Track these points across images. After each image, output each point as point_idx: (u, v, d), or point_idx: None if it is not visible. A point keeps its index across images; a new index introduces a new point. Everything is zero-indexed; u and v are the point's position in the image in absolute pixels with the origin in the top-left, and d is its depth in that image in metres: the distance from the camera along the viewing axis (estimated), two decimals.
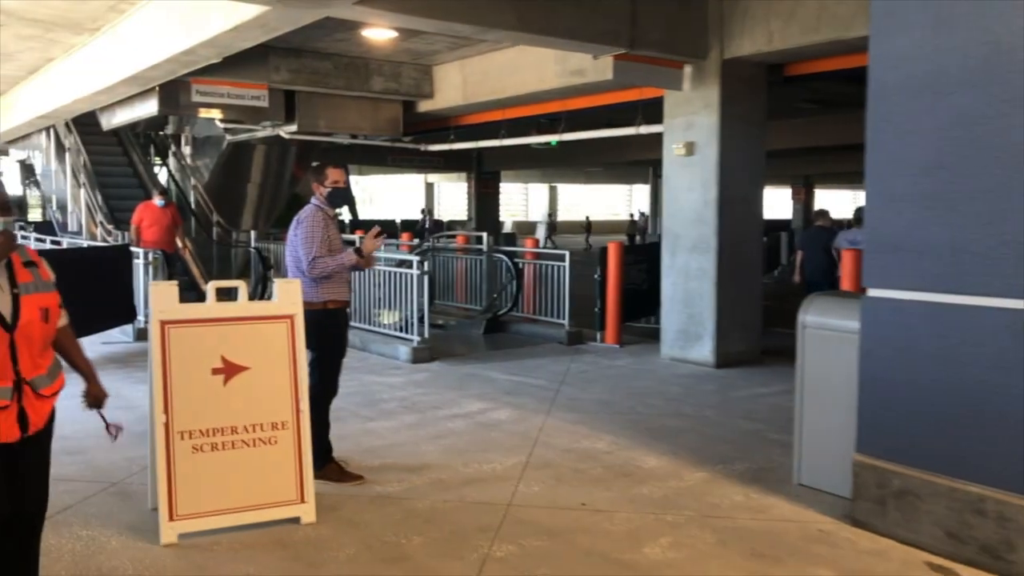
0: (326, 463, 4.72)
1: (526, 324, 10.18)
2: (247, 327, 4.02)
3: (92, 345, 8.72)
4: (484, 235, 10.64)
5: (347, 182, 4.89)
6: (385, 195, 44.17)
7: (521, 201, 46.19)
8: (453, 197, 42.31)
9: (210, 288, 3.98)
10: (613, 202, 50.06)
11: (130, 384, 7.00)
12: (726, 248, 8.04)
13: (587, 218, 35.84)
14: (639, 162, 28.20)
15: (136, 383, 6.97)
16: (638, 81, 7.82)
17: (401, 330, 8.78)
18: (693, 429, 5.91)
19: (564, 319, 9.55)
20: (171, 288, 3.90)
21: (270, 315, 4.08)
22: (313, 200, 4.84)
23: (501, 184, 29.70)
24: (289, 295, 4.13)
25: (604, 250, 9.52)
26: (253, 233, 12.41)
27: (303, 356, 4.13)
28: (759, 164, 8.26)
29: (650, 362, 8.40)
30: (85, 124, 13.90)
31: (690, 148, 8.12)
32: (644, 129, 9.31)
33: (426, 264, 8.45)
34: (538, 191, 46.20)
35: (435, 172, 33.65)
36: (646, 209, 42.17)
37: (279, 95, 10.90)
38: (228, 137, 13.03)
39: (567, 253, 9.66)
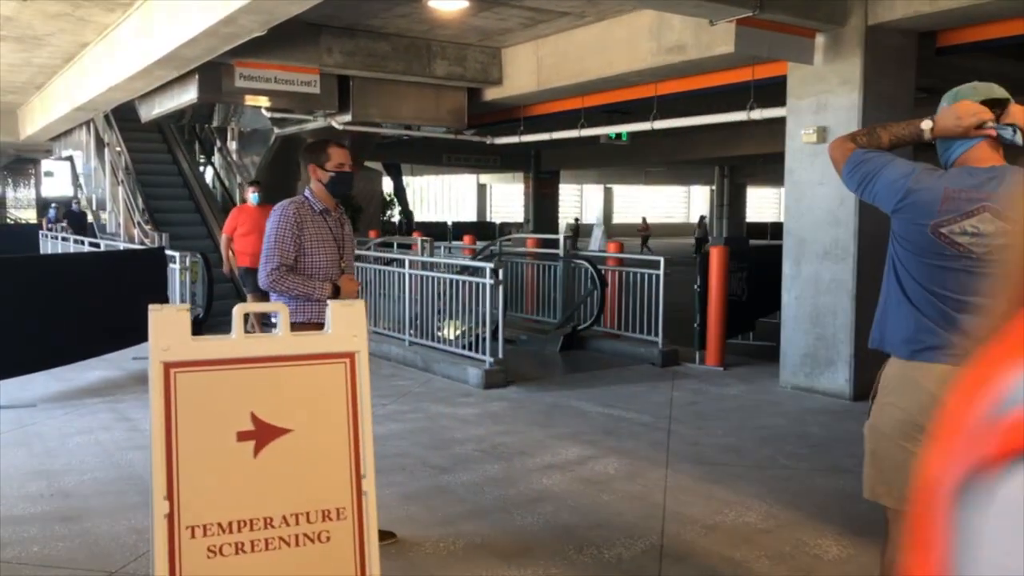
0: None
1: (609, 341, 8.85)
2: (289, 371, 2.79)
3: (123, 361, 7.67)
4: (561, 238, 9.35)
5: (352, 166, 3.75)
6: (437, 196, 43.29)
7: (575, 202, 44.88)
8: (506, 198, 41.21)
9: (236, 313, 2.75)
10: (669, 204, 48.47)
11: None
12: (867, 255, 6.61)
13: (576, 219, 33.59)
14: (706, 160, 26.68)
15: None
16: (763, 52, 6.46)
17: (470, 348, 7.54)
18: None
19: (657, 336, 8.21)
20: (179, 315, 2.68)
21: (322, 353, 2.84)
22: (305, 191, 3.75)
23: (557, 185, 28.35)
24: (349, 322, 2.89)
25: (706, 256, 8.16)
26: None
27: (368, 412, 2.88)
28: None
29: (769, 391, 7.01)
30: (126, 119, 12.98)
31: (822, 134, 6.72)
32: (757, 114, 7.92)
33: (501, 272, 7.19)
34: (592, 192, 44.83)
35: (490, 172, 32.49)
36: (704, 211, 40.53)
37: (332, 80, 9.76)
38: (276, 130, 11.98)
39: (662, 259, 8.31)
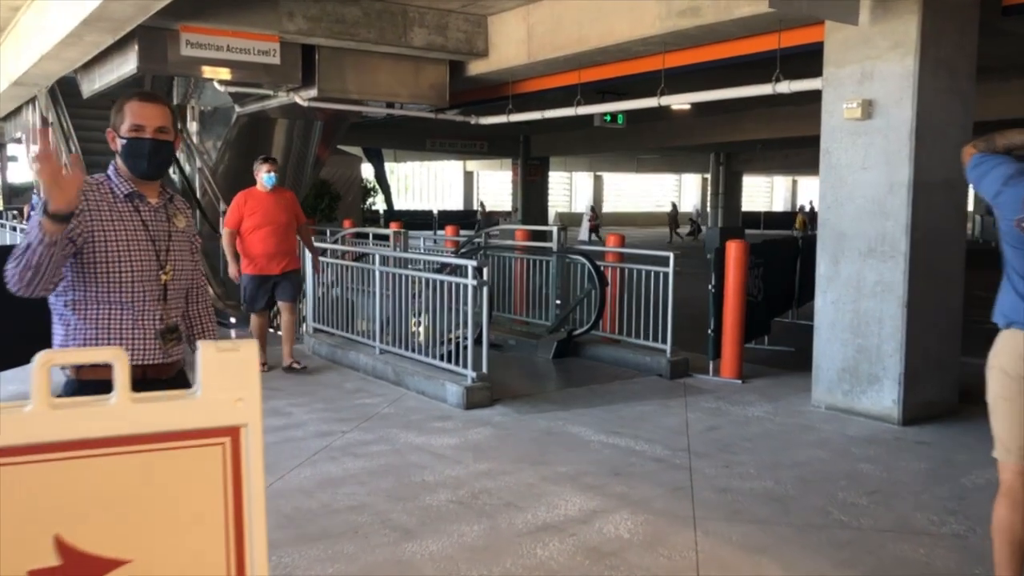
0: None
1: (609, 347, 7.78)
2: (126, 462, 1.68)
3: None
4: (555, 230, 8.26)
5: (166, 130, 2.50)
6: (422, 184, 42.26)
7: (564, 191, 43.80)
8: (493, 187, 40.13)
9: (37, 367, 1.65)
10: (660, 193, 47.49)
11: None
12: (921, 253, 5.57)
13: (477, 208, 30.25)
14: (701, 147, 25.63)
15: None
16: (800, 11, 5.38)
17: (449, 359, 6.45)
18: (956, 569, 3.47)
19: (665, 343, 7.14)
20: None
21: (183, 430, 1.72)
22: (109, 168, 2.57)
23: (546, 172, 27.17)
24: (231, 377, 1.78)
25: (721, 251, 7.09)
26: None
27: (261, 522, 1.77)
28: (966, 134, 5.75)
29: (800, 412, 5.96)
30: (75, 96, 11.75)
31: (867, 108, 5.65)
32: (785, 86, 6.83)
33: (486, 272, 6.11)
34: (582, 180, 43.74)
35: (476, 158, 31.35)
36: (696, 200, 39.63)
37: (295, 50, 8.59)
38: (237, 108, 10.81)
39: (672, 255, 7.25)
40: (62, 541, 1.61)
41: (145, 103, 2.50)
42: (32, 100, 12.49)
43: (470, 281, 6.11)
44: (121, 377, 1.69)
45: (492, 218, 24.20)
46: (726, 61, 7.45)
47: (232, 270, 7.03)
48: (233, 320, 9.70)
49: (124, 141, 2.47)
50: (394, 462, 4.78)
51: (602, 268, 7.85)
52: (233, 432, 1.76)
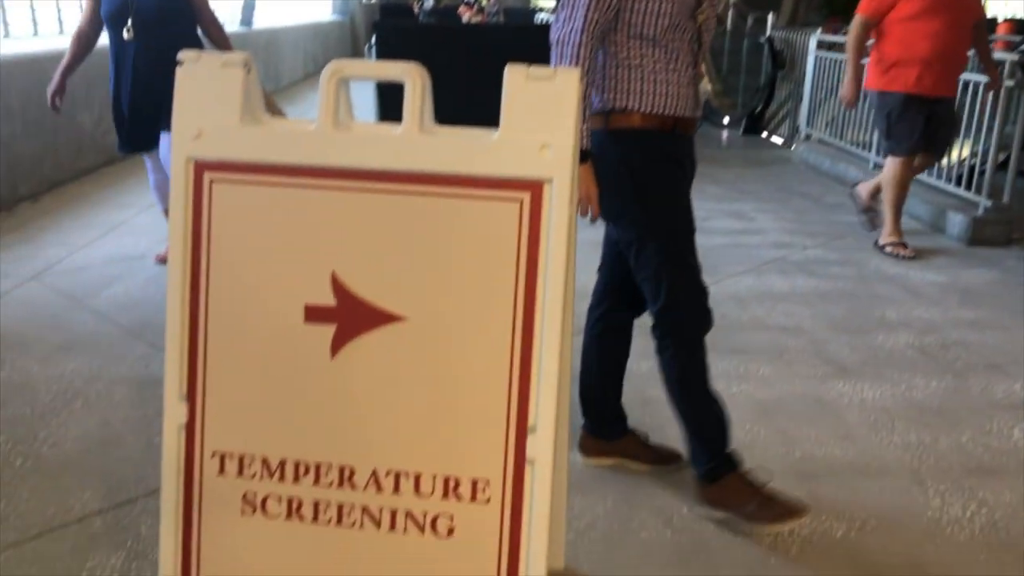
0: (719, 471, 2.10)
1: None
2: (412, 205, 1.40)
3: None
4: None
5: None
6: None
7: None
8: None
9: (327, 76, 1.41)
10: None
11: None
12: None
13: None
14: None
15: None
16: None
17: (959, 182, 5.17)
18: None
19: None
20: (224, 73, 1.43)
21: (475, 176, 1.38)
22: None
23: None
24: (538, 116, 1.36)
25: None
26: (771, 18, 9.16)
27: (558, 304, 1.38)
28: None
29: None
30: None
31: None
32: None
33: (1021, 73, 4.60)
34: None
35: None
36: None
37: None
38: None
39: None
40: (338, 280, 1.43)
41: None
42: None
43: (1005, 82, 4.67)
44: (413, 103, 1.40)
45: None
46: None
47: (847, 90, 4.44)
48: (727, 120, 9.24)
49: None
50: (854, 289, 4.02)
51: None
52: (535, 187, 1.39)
